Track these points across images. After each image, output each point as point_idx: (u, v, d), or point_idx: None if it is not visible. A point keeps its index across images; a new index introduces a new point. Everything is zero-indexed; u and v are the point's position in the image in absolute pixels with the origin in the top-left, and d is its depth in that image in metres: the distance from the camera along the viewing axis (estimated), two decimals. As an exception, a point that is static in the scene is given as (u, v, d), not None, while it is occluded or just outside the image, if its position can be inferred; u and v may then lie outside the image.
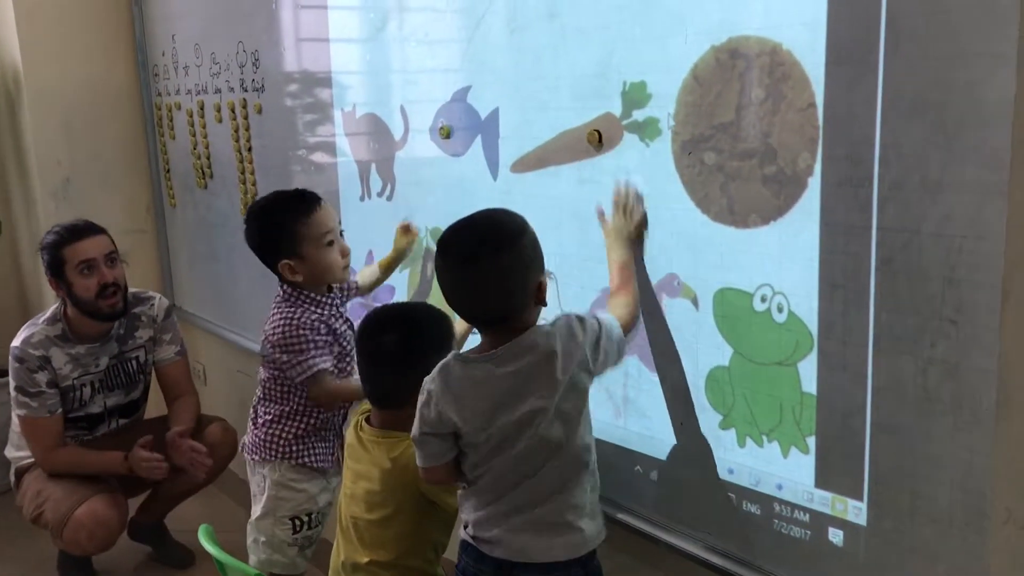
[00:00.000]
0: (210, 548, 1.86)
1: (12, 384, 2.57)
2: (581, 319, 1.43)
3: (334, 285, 1.98)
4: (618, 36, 1.54)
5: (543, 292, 1.43)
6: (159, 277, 3.57)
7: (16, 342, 2.58)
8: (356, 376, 1.94)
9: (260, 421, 2.04)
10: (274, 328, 1.93)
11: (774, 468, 1.43)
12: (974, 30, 1.09)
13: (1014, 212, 1.08)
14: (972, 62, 1.10)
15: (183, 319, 3.56)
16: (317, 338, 1.92)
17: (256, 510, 2.03)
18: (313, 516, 2.03)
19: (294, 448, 2.01)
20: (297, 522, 2.01)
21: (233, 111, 2.80)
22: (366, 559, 1.68)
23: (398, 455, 1.65)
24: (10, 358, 2.57)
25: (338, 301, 2.00)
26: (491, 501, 1.47)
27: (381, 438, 1.68)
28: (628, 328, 1.50)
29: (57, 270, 2.53)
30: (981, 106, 1.10)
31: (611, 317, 1.48)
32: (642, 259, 1.56)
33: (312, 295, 1.95)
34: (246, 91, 2.72)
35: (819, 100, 1.26)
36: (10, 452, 2.79)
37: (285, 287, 1.96)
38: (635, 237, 1.55)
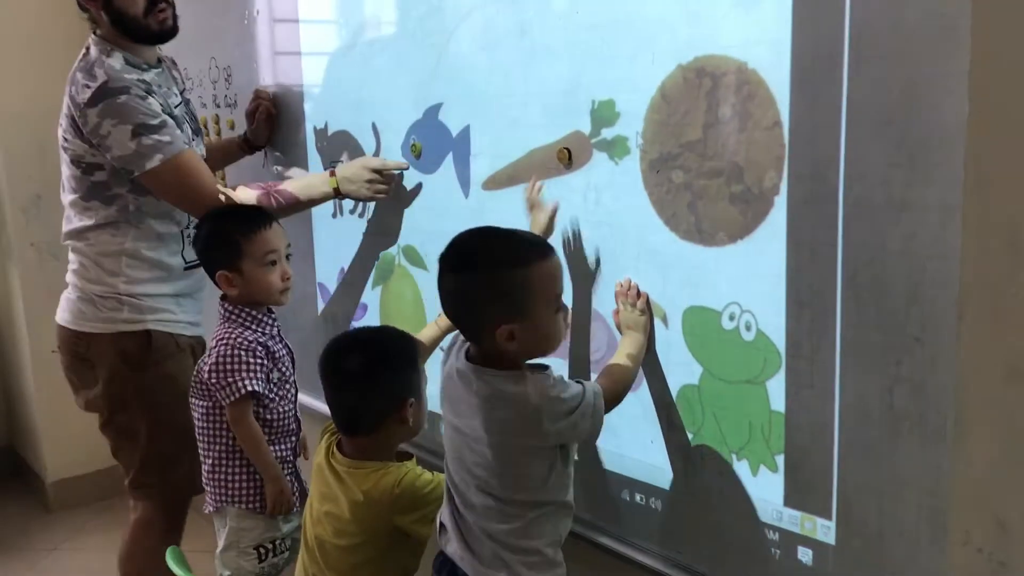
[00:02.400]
0: (179, 571, 1.83)
1: (126, 131, 1.92)
2: (563, 395, 1.36)
3: (271, 309, 1.94)
4: (587, 54, 1.54)
5: (512, 338, 1.34)
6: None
7: (98, 81, 1.94)
8: (287, 422, 1.93)
9: (205, 468, 1.96)
10: (210, 351, 1.88)
11: (744, 486, 1.43)
12: (935, 52, 1.10)
13: (967, 237, 1.08)
14: (933, 83, 1.11)
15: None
16: (252, 359, 1.85)
17: (220, 543, 1.98)
18: (278, 543, 1.98)
19: (245, 492, 1.92)
20: (262, 550, 1.95)
21: (206, 127, 2.78)
22: None
23: (370, 487, 1.61)
24: (98, 106, 1.93)
25: (278, 324, 1.95)
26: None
27: (353, 468, 1.64)
28: (613, 397, 1.46)
29: None
30: (943, 126, 1.11)
31: (598, 394, 1.41)
32: (654, 347, 1.52)
33: (254, 314, 1.90)
34: (219, 107, 2.70)
35: (784, 119, 1.27)
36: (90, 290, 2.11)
37: (226, 306, 1.91)
38: (645, 327, 1.51)
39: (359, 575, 1.64)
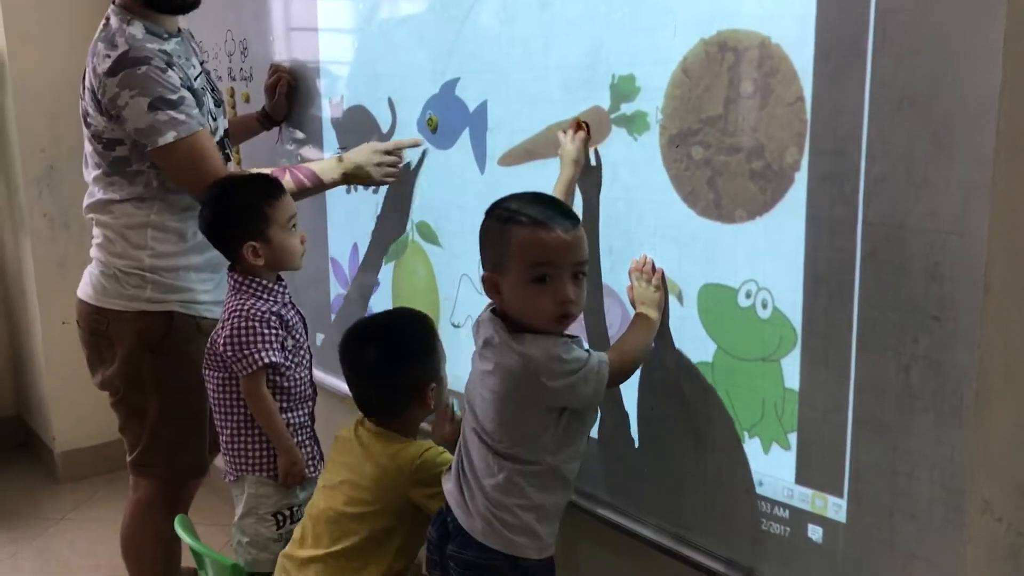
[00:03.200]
0: (186, 538, 1.84)
1: (143, 103, 1.90)
2: (565, 355, 1.38)
3: (281, 278, 1.94)
4: (607, 28, 1.53)
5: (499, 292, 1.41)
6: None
7: (118, 50, 1.91)
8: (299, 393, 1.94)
9: (223, 439, 1.97)
10: (223, 323, 1.88)
11: (755, 464, 1.43)
12: (962, 28, 1.09)
13: (996, 208, 1.08)
14: (959, 60, 1.10)
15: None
16: (267, 330, 1.86)
17: (238, 510, 2.00)
18: (295, 510, 2.00)
19: (263, 460, 1.93)
20: (280, 517, 1.97)
21: (221, 101, 2.77)
22: (324, 551, 1.65)
23: (393, 453, 1.64)
24: (118, 76, 1.90)
25: (289, 291, 1.96)
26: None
27: (380, 436, 1.67)
28: (620, 371, 1.46)
29: None
30: (967, 103, 1.10)
31: (603, 363, 1.42)
32: (667, 325, 1.52)
33: (265, 283, 1.89)
34: (234, 80, 2.70)
35: (807, 94, 1.26)
36: (114, 263, 2.08)
37: (235, 276, 1.90)
38: (659, 303, 1.51)
39: (364, 548, 1.64)
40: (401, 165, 2.03)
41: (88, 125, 2.05)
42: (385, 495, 1.63)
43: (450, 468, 1.55)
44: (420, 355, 1.68)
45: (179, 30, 2.11)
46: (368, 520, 1.64)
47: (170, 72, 1.95)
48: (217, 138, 2.11)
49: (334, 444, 1.75)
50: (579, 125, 1.58)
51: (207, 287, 2.16)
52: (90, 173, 2.12)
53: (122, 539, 2.26)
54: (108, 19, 2.02)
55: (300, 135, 2.44)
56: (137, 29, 1.98)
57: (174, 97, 1.94)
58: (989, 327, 1.09)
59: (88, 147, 2.09)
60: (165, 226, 2.08)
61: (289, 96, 2.39)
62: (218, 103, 2.19)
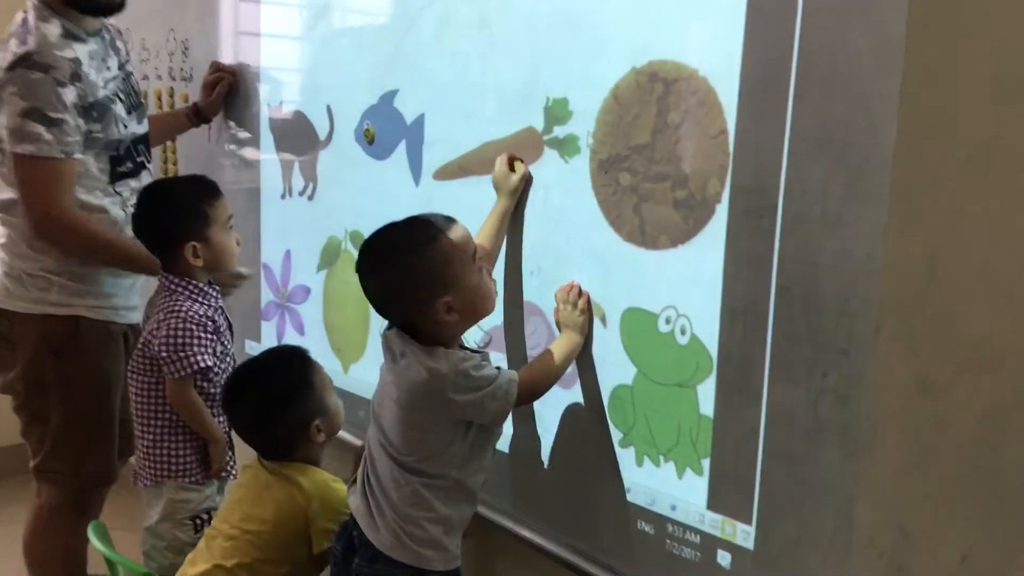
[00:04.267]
0: (99, 546, 1.80)
1: (20, 106, 1.85)
2: (473, 372, 1.40)
3: (212, 281, 1.92)
4: (545, 50, 1.55)
5: (449, 311, 1.40)
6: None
7: (26, 47, 1.86)
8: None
9: (143, 444, 1.93)
10: (159, 323, 1.84)
11: (669, 488, 1.45)
12: (876, 76, 1.13)
13: (888, 249, 1.12)
14: (873, 106, 1.14)
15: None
16: (203, 334, 1.84)
17: (152, 515, 1.96)
18: (212, 514, 1.98)
19: (189, 465, 1.91)
20: (198, 521, 1.95)
21: (160, 99, 2.73)
22: (214, 563, 1.65)
23: (288, 496, 1.65)
24: (14, 72, 1.86)
25: (219, 295, 1.94)
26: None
27: (278, 474, 1.68)
28: (531, 388, 1.48)
29: None
30: (880, 148, 1.13)
31: (512, 382, 1.44)
32: (590, 347, 1.54)
33: (200, 286, 1.87)
34: (174, 79, 2.66)
35: (731, 128, 1.29)
36: None
37: (170, 278, 1.87)
38: (582, 327, 1.52)
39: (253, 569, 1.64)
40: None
41: None
42: (282, 531, 1.64)
43: (355, 482, 1.55)
44: (292, 396, 1.67)
45: (100, 29, 2.05)
46: (261, 547, 1.63)
47: (67, 88, 1.90)
48: (124, 145, 2.07)
49: (241, 472, 1.74)
50: (513, 160, 1.59)
51: (116, 290, 2.11)
52: None
53: (24, 545, 2.20)
54: (26, 14, 1.96)
55: (239, 136, 2.41)
56: (53, 28, 1.92)
57: (53, 116, 1.88)
58: (879, 367, 1.12)
59: None
60: None
61: (227, 97, 2.36)
62: (133, 108, 2.13)
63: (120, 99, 2.07)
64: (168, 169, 2.74)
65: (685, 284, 1.37)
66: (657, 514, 1.47)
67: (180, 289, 1.86)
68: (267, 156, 2.30)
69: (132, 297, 2.14)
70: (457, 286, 1.40)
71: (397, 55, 1.85)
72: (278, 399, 1.66)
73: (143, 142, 2.17)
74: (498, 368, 1.45)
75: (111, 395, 2.01)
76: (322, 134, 2.08)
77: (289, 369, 1.70)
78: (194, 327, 1.82)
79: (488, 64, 1.65)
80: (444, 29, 1.74)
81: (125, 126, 2.07)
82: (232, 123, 2.43)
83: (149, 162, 2.21)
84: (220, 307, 1.94)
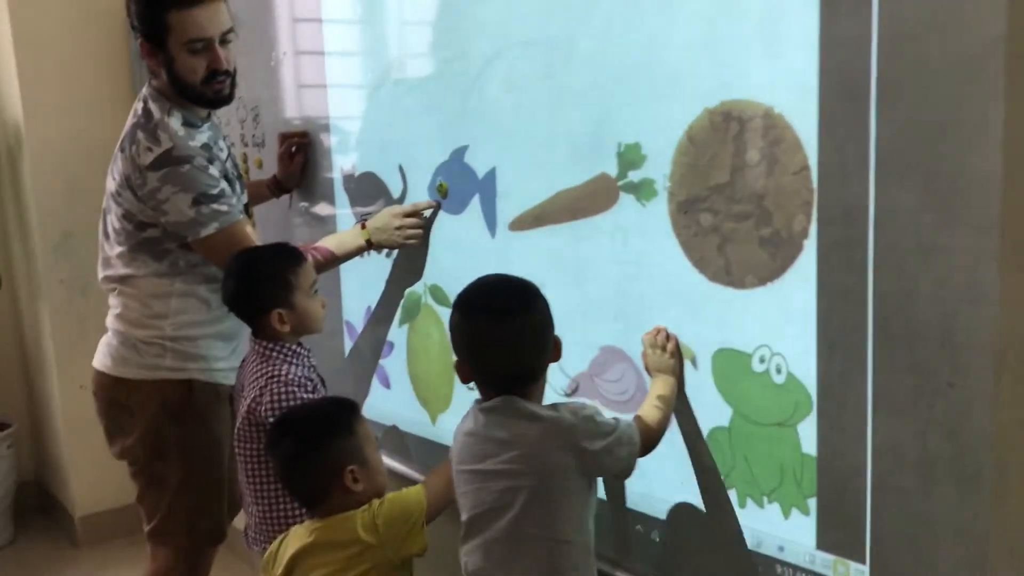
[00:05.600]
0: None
1: (187, 199, 1.95)
2: (597, 418, 1.42)
3: (302, 342, 1.95)
4: (612, 97, 1.55)
5: (559, 349, 1.47)
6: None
7: (162, 146, 1.96)
8: None
9: (258, 509, 1.94)
10: (261, 390, 1.86)
11: (775, 529, 1.42)
12: (962, 94, 1.11)
13: (1007, 285, 1.09)
14: (961, 126, 1.12)
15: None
16: (306, 395, 1.85)
17: None
18: None
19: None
20: None
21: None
22: None
23: (366, 523, 1.61)
24: (161, 172, 1.95)
25: (311, 354, 1.97)
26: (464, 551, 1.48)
27: (322, 525, 1.64)
28: (648, 442, 1.47)
29: (158, 36, 1.98)
30: (971, 169, 1.11)
31: (633, 427, 1.44)
32: (683, 389, 1.53)
33: (294, 348, 1.91)
34: (247, 146, 2.74)
35: (812, 163, 1.27)
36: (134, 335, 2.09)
37: (263, 343, 1.90)
38: (674, 369, 1.51)
39: None
40: (421, 226, 2.06)
41: (118, 203, 2.07)
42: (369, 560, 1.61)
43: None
44: (329, 439, 1.64)
45: (208, 115, 2.14)
46: None
47: (211, 167, 2.01)
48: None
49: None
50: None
51: (224, 354, 2.18)
52: (112, 248, 2.13)
53: None
54: (146, 104, 2.05)
55: (313, 200, 2.46)
56: (176, 122, 2.02)
57: (215, 192, 1.99)
58: (1005, 411, 1.09)
59: (116, 223, 2.10)
60: (192, 294, 2.10)
61: (304, 165, 2.42)
62: (239, 178, 2.22)
63: (233, 176, 2.16)
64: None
65: (777, 322, 1.36)
66: (764, 555, 1.44)
67: (275, 354, 1.89)
68: (343, 214, 2.34)
69: (235, 359, 2.20)
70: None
71: (464, 110, 1.87)
72: (316, 436, 1.64)
73: (245, 211, 2.24)
74: (614, 417, 1.44)
75: (223, 455, 2.06)
76: (396, 192, 2.11)
77: (331, 413, 1.69)
78: (296, 389, 1.85)
79: (556, 114, 1.66)
80: (509, 82, 1.76)
81: (239, 200, 2.15)
82: (306, 185, 2.48)
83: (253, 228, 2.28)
84: (313, 365, 1.97)
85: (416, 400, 2.17)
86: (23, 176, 3.36)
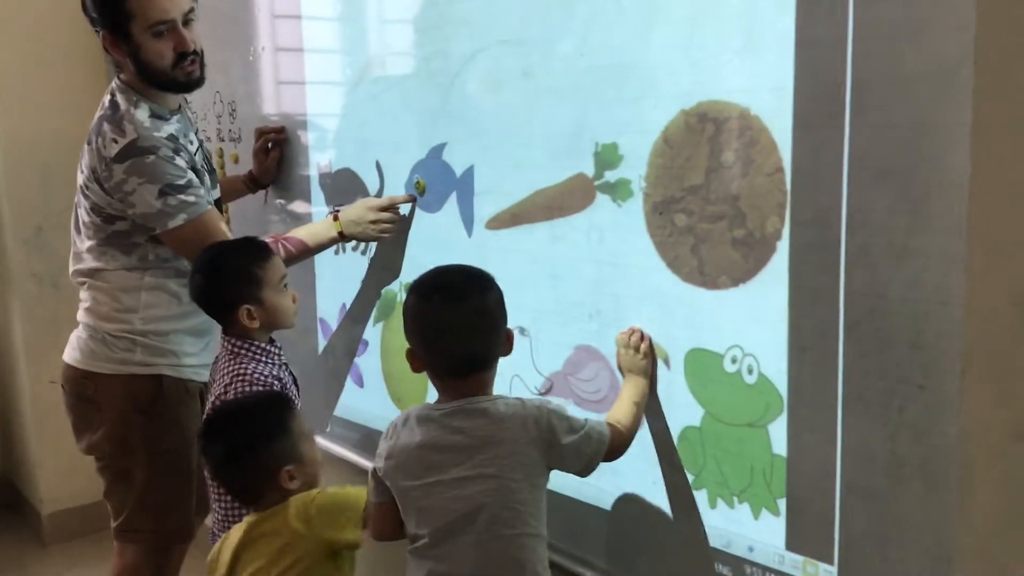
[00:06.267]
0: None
1: (152, 191, 1.92)
2: (566, 416, 1.43)
3: (274, 339, 1.93)
4: (591, 97, 1.56)
5: (511, 341, 1.48)
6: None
7: (127, 137, 1.94)
8: None
9: (220, 506, 1.89)
10: (226, 388, 1.84)
11: (745, 530, 1.42)
12: (936, 100, 1.12)
13: (973, 291, 1.10)
14: (935, 131, 1.12)
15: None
16: None
17: None
18: None
19: None
20: None
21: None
22: None
23: (299, 511, 1.57)
24: (126, 163, 1.93)
25: (282, 352, 1.95)
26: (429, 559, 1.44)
27: (257, 520, 1.61)
28: (620, 443, 1.47)
29: (120, 25, 1.95)
30: (944, 174, 1.12)
31: (604, 428, 1.44)
32: (655, 390, 1.53)
33: (262, 346, 1.89)
34: (223, 140, 2.72)
35: (787, 165, 1.28)
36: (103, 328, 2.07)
37: (232, 341, 1.88)
38: (646, 370, 1.52)
39: None
40: (396, 221, 2.05)
41: (86, 196, 2.05)
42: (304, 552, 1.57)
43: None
44: (264, 439, 1.61)
45: (180, 106, 2.12)
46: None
47: (177, 158, 1.98)
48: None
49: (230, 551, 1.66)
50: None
51: (195, 349, 2.16)
52: (83, 242, 2.11)
53: None
54: (113, 96, 2.02)
55: (290, 193, 2.45)
56: (143, 112, 1.99)
57: (182, 182, 1.96)
58: (970, 412, 1.10)
59: (85, 217, 2.08)
60: (162, 288, 2.07)
61: (279, 161, 2.41)
62: (211, 173, 2.20)
63: (203, 166, 2.13)
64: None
65: (749, 323, 1.36)
66: (734, 556, 1.45)
67: (243, 352, 1.88)
68: (319, 211, 2.33)
69: (207, 355, 2.18)
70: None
71: (443, 108, 1.87)
72: (249, 439, 1.61)
73: (217, 207, 2.21)
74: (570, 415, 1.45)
75: (192, 452, 2.03)
76: (372, 189, 2.10)
77: (265, 412, 1.66)
78: (260, 388, 1.83)
79: (534, 113, 1.66)
80: (489, 80, 1.75)
81: (208, 191, 2.12)
82: (281, 182, 2.47)
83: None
84: (284, 363, 1.96)
85: (389, 399, 2.16)
86: (-5, 170, 3.33)
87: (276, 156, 2.40)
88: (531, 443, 1.39)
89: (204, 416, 1.75)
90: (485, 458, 1.38)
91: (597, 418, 1.47)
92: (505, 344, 1.47)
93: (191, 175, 1.99)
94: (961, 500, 1.12)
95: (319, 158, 2.30)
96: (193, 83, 2.05)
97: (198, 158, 2.11)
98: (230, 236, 2.04)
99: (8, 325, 3.47)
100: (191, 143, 2.11)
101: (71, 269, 2.16)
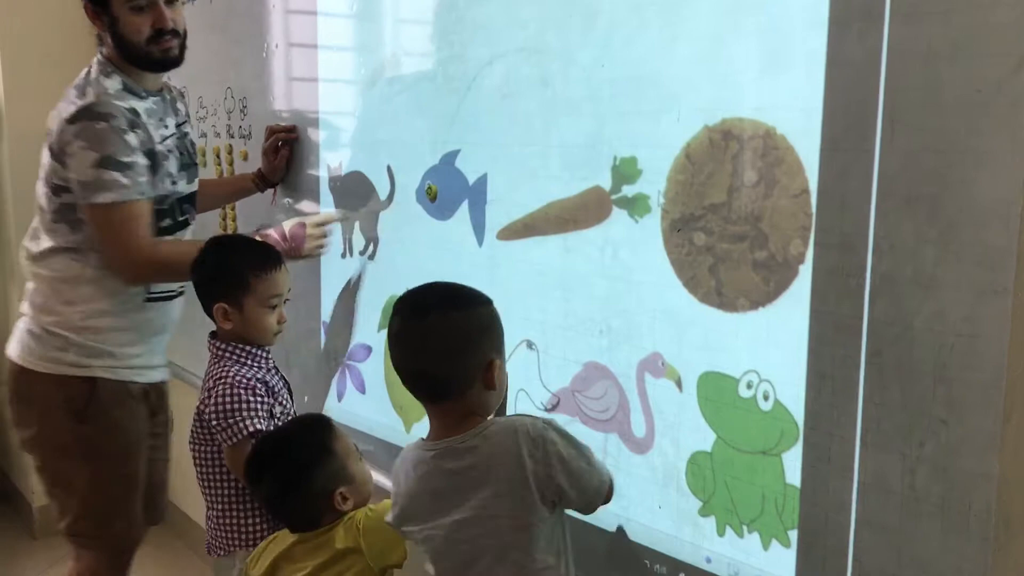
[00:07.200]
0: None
1: (92, 158, 1.86)
2: (568, 446, 1.34)
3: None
4: (610, 109, 1.52)
5: (492, 373, 1.36)
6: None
7: (86, 100, 1.90)
8: None
9: (212, 513, 1.89)
10: (209, 391, 1.81)
11: (754, 560, 1.38)
12: (970, 127, 1.08)
13: (1018, 331, 1.05)
14: (967, 159, 1.09)
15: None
16: (252, 398, 1.79)
17: None
18: None
19: (260, 533, 1.85)
20: None
21: (218, 156, 2.76)
22: None
23: (348, 529, 1.59)
24: (77, 124, 1.88)
25: (271, 356, 1.91)
26: None
27: (309, 544, 1.61)
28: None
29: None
30: (976, 203, 1.08)
31: (606, 470, 1.40)
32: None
33: (248, 349, 1.84)
34: (232, 137, 2.69)
35: (812, 187, 1.24)
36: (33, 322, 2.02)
37: (217, 344, 1.85)
38: None
39: None
40: (328, 239, 2.06)
41: (42, 166, 1.99)
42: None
43: None
44: (312, 465, 1.61)
45: (162, 89, 2.06)
46: None
47: (130, 134, 1.91)
48: (170, 200, 2.06)
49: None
50: None
51: (138, 349, 2.08)
52: (38, 218, 2.05)
53: None
54: (90, 68, 1.99)
55: (297, 196, 2.41)
56: (113, 82, 1.95)
57: (126, 159, 1.90)
58: (1010, 458, 1.05)
59: (40, 188, 2.02)
60: (99, 281, 2.00)
61: (289, 160, 2.37)
62: (185, 166, 2.13)
63: (174, 156, 2.06)
64: (227, 225, 2.76)
65: (767, 348, 1.32)
66: None
67: (227, 354, 1.84)
68: (328, 211, 2.29)
69: (155, 356, 2.11)
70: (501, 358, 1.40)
71: (458, 115, 1.83)
72: (298, 468, 1.61)
73: (189, 201, 2.17)
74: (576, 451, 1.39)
75: (134, 456, 1.97)
76: (383, 193, 2.07)
77: (308, 438, 1.65)
78: (242, 391, 1.79)
79: (551, 123, 1.63)
80: (505, 88, 1.72)
81: (174, 182, 2.07)
82: (291, 181, 2.44)
83: (192, 222, 2.20)
84: (274, 368, 1.92)
85: (391, 406, 2.12)
86: (1, 160, 3.30)
87: (286, 155, 2.36)
88: (525, 479, 1.30)
89: (250, 450, 1.71)
90: (482, 498, 1.33)
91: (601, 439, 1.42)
92: (483, 374, 1.34)
93: (139, 159, 1.92)
94: (998, 551, 1.08)
95: (330, 159, 2.26)
96: (169, 61, 2.00)
97: (170, 144, 2.04)
98: (145, 236, 1.96)
99: (10, 316, 3.43)
100: (165, 127, 2.03)
101: (25, 252, 2.08)
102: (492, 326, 1.39)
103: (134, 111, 1.94)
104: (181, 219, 2.12)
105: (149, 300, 2.09)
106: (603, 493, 1.39)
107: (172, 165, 2.05)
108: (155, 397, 2.13)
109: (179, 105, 2.19)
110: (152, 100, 2.02)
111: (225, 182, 2.45)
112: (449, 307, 1.37)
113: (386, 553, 1.58)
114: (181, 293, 2.19)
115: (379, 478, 2.13)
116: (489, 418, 1.39)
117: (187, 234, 2.17)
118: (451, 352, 1.35)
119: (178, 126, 2.13)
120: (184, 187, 2.12)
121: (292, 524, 1.66)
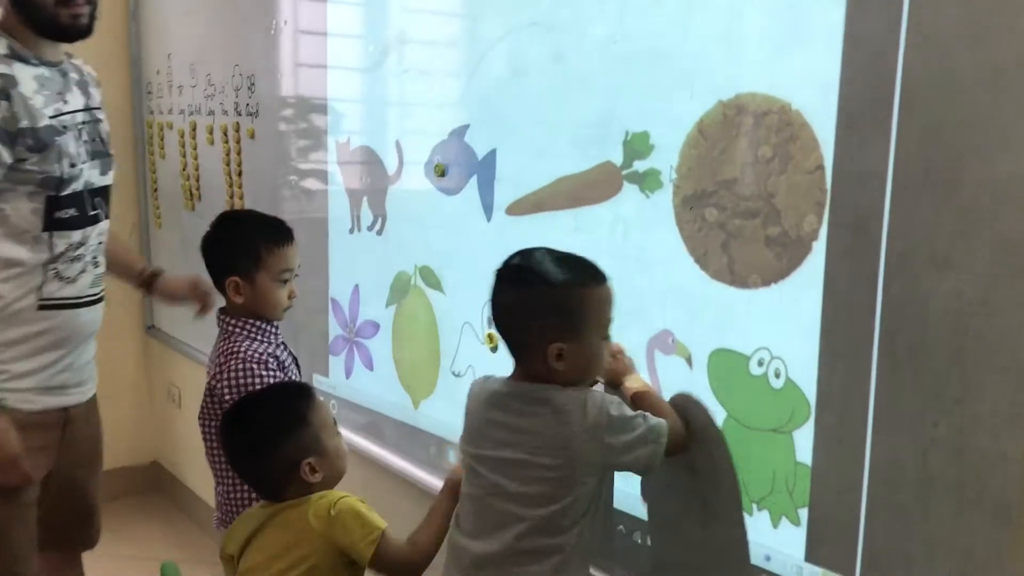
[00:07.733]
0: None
1: None
2: (623, 411, 1.35)
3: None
4: (622, 85, 1.50)
5: (560, 355, 1.33)
6: (139, 297, 3.50)
7: None
8: None
9: (221, 488, 1.88)
10: (220, 367, 1.79)
11: (763, 538, 1.38)
12: (989, 105, 1.06)
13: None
14: (986, 137, 1.07)
15: (161, 339, 3.50)
16: (266, 372, 1.78)
17: None
18: None
19: None
20: None
21: (225, 134, 2.75)
22: None
23: (319, 509, 1.55)
24: None
25: (280, 332, 1.90)
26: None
27: (275, 511, 1.59)
28: (678, 437, 1.41)
29: None
30: (994, 182, 1.07)
31: (662, 426, 1.37)
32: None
33: (258, 324, 1.83)
34: (240, 115, 2.68)
35: (828, 163, 1.23)
36: None
37: (226, 319, 1.84)
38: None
39: None
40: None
41: None
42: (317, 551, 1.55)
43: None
44: (283, 431, 1.57)
45: (63, 63, 1.87)
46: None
47: None
48: (74, 186, 1.83)
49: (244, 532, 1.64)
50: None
51: (26, 367, 1.82)
52: None
53: None
54: None
55: (306, 169, 2.41)
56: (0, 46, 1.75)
57: None
58: None
59: None
60: None
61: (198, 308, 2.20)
62: (97, 155, 1.93)
63: (73, 136, 1.84)
64: (234, 203, 2.76)
65: (779, 325, 1.31)
66: (751, 564, 1.40)
67: (237, 329, 1.84)
68: (334, 188, 2.29)
69: (57, 375, 1.87)
70: (580, 337, 1.35)
71: (468, 90, 1.82)
72: (266, 432, 1.58)
73: (102, 195, 1.95)
74: (639, 412, 1.38)
75: (25, 492, 1.79)
76: (391, 168, 2.06)
77: (285, 403, 1.63)
78: (255, 366, 1.79)
79: (562, 99, 1.61)
80: (516, 64, 1.70)
81: (73, 164, 1.83)
82: (296, 156, 2.43)
83: (105, 218, 1.98)
84: (282, 343, 1.92)
85: (399, 384, 2.12)
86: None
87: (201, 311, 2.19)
88: (585, 441, 1.32)
89: (223, 413, 1.69)
90: (539, 446, 1.34)
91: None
92: (547, 352, 1.33)
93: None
94: (1015, 528, 1.07)
95: (338, 136, 2.25)
96: (77, 31, 1.80)
97: (68, 122, 1.83)
98: None
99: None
100: (64, 102, 1.83)
101: None
102: (563, 309, 1.35)
103: (9, 77, 1.73)
104: (92, 213, 1.91)
105: (47, 308, 1.84)
106: (658, 455, 1.36)
107: (70, 145, 1.83)
108: (70, 421, 1.92)
109: (91, 89, 1.97)
110: (45, 70, 1.81)
111: (122, 250, 2.24)
112: (518, 279, 1.38)
113: (353, 544, 1.52)
114: (98, 299, 1.98)
115: (384, 454, 2.15)
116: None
117: (99, 231, 1.95)
118: (509, 325, 1.40)
119: (90, 109, 1.93)
120: (96, 177, 1.92)
121: (257, 488, 1.65)
